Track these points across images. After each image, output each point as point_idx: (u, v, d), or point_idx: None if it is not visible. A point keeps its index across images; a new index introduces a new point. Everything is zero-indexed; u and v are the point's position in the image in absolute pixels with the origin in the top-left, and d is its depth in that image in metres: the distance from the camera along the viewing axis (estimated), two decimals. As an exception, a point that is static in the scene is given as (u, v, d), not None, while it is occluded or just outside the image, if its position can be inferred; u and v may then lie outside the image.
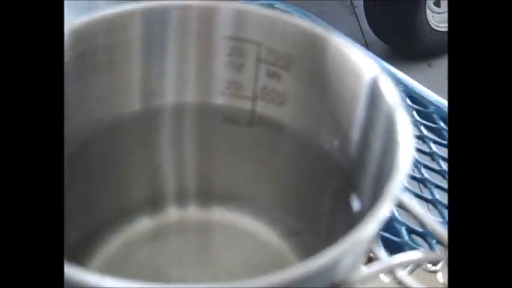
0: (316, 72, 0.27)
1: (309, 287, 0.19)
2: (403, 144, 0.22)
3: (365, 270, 0.22)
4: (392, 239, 0.43)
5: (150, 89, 0.29)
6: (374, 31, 1.52)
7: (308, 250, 0.31)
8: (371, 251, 0.27)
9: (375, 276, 0.24)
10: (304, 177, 0.31)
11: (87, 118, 0.27)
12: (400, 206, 0.26)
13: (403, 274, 0.25)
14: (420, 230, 0.44)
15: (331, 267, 0.19)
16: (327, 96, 0.27)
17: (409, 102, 0.56)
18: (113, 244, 0.30)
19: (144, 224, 0.31)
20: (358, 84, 0.25)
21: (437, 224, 0.22)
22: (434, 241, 0.43)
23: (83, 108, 0.27)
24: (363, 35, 1.56)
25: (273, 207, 0.33)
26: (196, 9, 0.28)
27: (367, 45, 1.44)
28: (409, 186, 0.46)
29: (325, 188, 0.30)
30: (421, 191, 0.46)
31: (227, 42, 0.29)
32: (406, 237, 0.43)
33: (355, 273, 0.21)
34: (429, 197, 0.45)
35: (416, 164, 0.48)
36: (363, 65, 0.25)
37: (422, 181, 0.47)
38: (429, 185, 0.46)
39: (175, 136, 0.31)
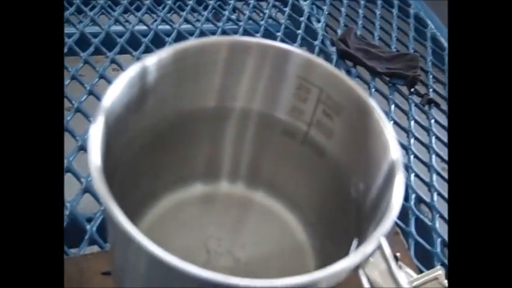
0: (358, 128, 0.32)
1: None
2: (392, 215, 0.27)
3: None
4: (426, 246, 0.47)
5: (224, 94, 0.35)
6: None
7: (321, 248, 0.37)
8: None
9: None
10: (332, 198, 0.36)
11: (178, 107, 0.34)
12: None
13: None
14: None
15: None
16: (361, 149, 0.32)
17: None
18: (170, 200, 0.38)
19: (198, 189, 0.39)
20: (384, 155, 0.30)
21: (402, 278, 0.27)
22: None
23: (177, 101, 0.34)
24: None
25: (304, 207, 0.39)
26: (273, 48, 0.34)
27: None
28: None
29: (344, 217, 0.35)
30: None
31: (297, 79, 0.34)
32: (439, 249, 0.47)
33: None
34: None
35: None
36: (391, 143, 0.30)
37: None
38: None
39: (238, 132, 0.37)
